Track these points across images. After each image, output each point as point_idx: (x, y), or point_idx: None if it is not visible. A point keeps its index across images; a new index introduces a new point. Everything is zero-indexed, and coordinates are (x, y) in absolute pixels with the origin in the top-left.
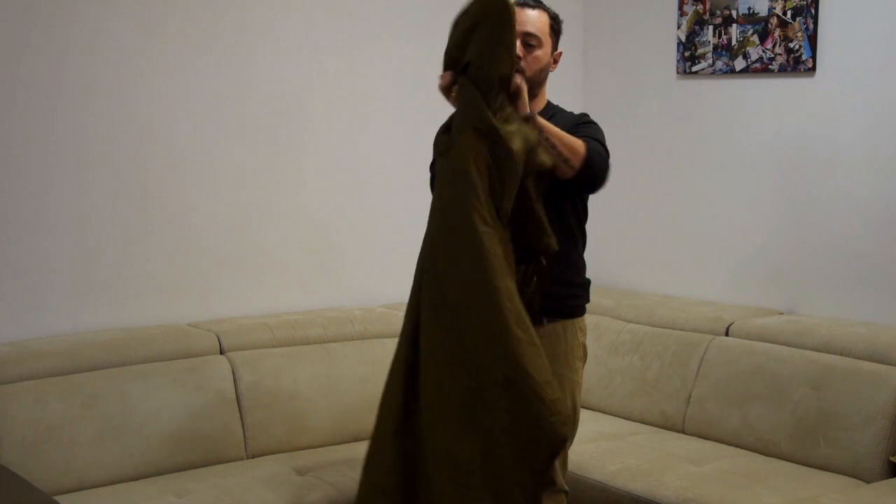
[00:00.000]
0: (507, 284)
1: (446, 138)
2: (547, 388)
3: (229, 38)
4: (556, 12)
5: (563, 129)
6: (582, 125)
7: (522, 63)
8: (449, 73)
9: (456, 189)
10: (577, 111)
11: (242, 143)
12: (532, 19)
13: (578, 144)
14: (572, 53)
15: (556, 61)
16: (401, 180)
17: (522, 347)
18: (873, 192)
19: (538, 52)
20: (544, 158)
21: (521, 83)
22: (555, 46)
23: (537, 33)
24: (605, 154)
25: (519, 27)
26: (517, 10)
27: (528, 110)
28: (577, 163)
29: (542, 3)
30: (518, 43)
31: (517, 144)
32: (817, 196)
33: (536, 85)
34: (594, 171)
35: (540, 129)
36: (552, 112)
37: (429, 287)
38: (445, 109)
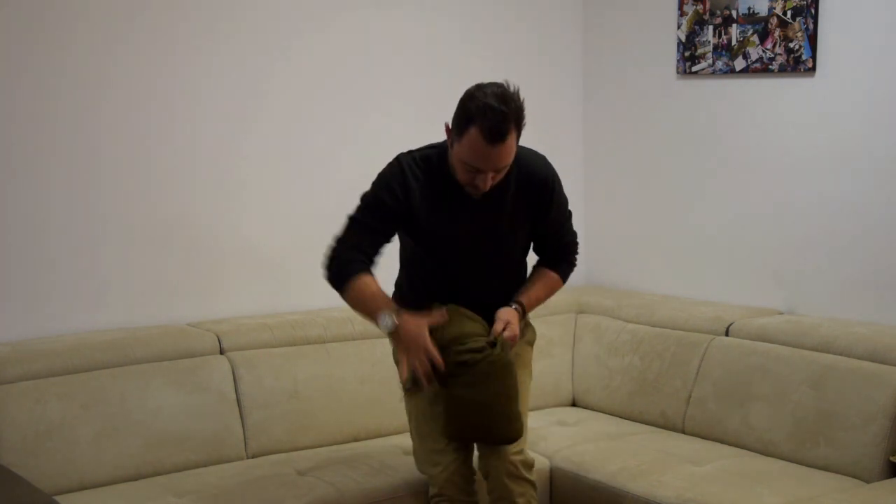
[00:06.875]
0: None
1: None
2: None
3: (235, 39)
4: (521, 102)
5: (524, 207)
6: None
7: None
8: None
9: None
10: (576, 113)
11: (242, 143)
12: (506, 153)
13: (557, 286)
14: (572, 54)
15: None
16: None
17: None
18: (873, 191)
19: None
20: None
21: (508, 336)
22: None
23: (509, 160)
24: (575, 245)
25: (492, 165)
26: (490, 148)
27: (518, 332)
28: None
29: (511, 114)
30: (489, 176)
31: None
32: (817, 196)
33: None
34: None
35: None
36: (508, 176)
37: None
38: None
